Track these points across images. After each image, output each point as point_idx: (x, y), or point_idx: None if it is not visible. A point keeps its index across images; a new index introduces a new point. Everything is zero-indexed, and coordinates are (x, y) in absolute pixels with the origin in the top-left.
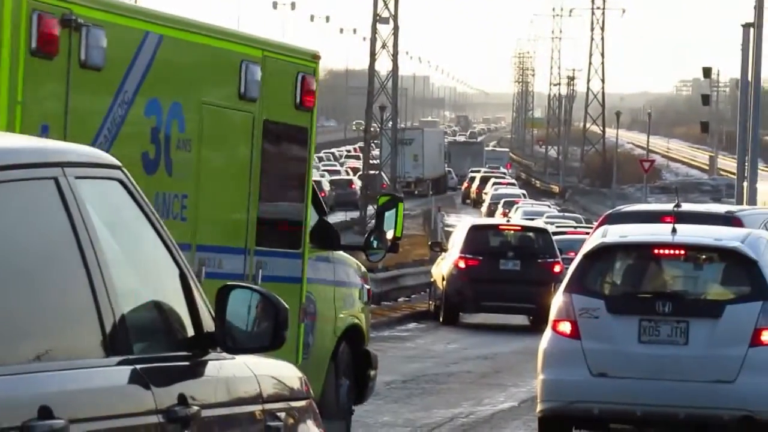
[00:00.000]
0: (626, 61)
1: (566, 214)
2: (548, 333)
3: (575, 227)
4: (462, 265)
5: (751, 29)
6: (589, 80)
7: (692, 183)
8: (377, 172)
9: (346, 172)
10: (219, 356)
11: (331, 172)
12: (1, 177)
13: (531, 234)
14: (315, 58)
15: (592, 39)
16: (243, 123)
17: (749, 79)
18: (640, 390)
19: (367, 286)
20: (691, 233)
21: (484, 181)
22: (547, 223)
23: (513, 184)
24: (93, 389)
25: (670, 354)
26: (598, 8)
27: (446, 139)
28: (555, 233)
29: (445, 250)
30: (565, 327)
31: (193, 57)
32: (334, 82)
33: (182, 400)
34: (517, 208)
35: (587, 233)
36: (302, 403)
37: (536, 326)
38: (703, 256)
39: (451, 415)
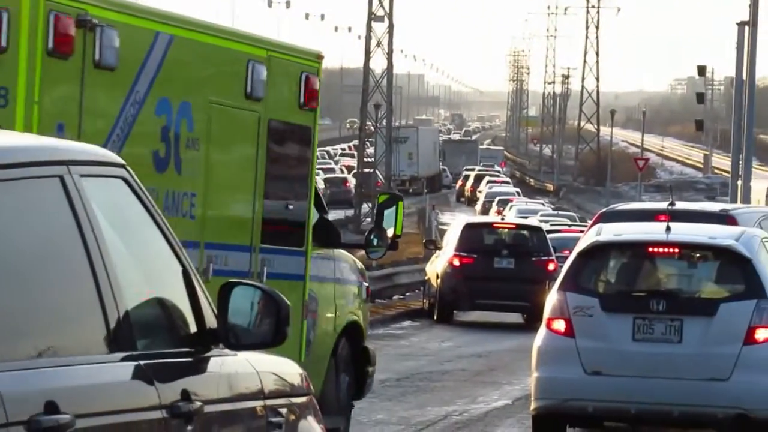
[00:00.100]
0: (621, 59)
1: (560, 212)
2: (542, 331)
3: (569, 225)
4: (456, 263)
5: (746, 27)
6: (583, 78)
7: (687, 181)
8: (372, 170)
9: (341, 170)
10: (221, 353)
11: (326, 171)
12: (8, 175)
13: (525, 232)
14: (318, 58)
15: (586, 37)
16: (249, 122)
17: (744, 77)
18: (634, 388)
19: (366, 284)
20: (685, 232)
21: (479, 179)
22: (541, 221)
23: (507, 183)
24: (98, 385)
25: (664, 352)
26: (593, 6)
27: (441, 137)
28: (549, 231)
29: (440, 248)
30: (560, 325)
31: (201, 57)
32: (329, 80)
33: (185, 395)
34: (511, 207)
35: (581, 231)
36: (303, 399)
37: (530, 324)
38: (698, 255)
39: (445, 413)
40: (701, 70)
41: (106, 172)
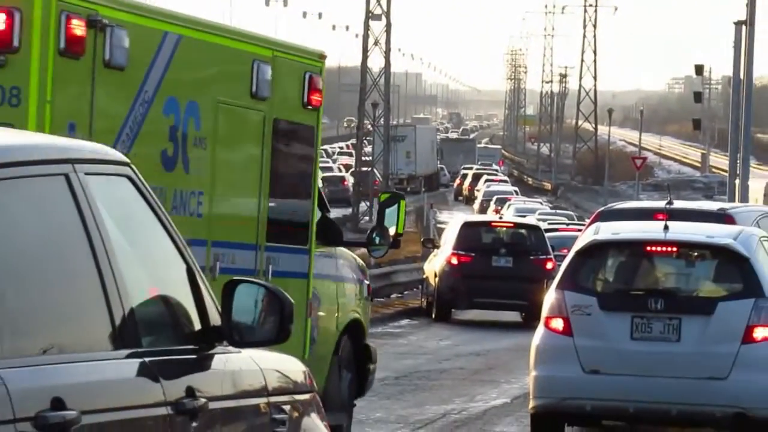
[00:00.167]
0: (618, 58)
1: (558, 211)
2: (540, 330)
3: (567, 224)
4: (454, 261)
5: (744, 27)
6: (581, 77)
7: (684, 180)
8: (369, 169)
9: (339, 169)
10: (225, 350)
11: (323, 169)
12: (14, 173)
13: (523, 231)
14: (321, 57)
15: (584, 36)
16: (255, 121)
17: (741, 76)
18: (632, 387)
19: (367, 282)
20: (683, 230)
21: (477, 178)
22: (539, 220)
23: (505, 181)
24: (104, 381)
25: (662, 351)
26: (591, 5)
27: (438, 136)
28: (547, 230)
29: (438, 247)
30: (558, 324)
31: (209, 57)
32: (327, 78)
33: (190, 392)
34: (509, 205)
35: (579, 230)
36: (306, 396)
37: (528, 323)
38: (696, 254)
39: (443, 411)
40: (699, 69)
41: (111, 170)
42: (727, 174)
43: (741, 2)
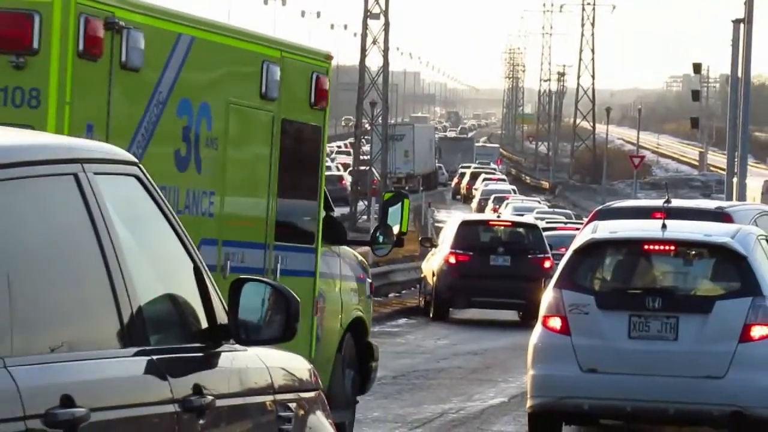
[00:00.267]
0: (616, 57)
1: (556, 209)
2: (538, 328)
3: (565, 223)
4: (452, 260)
5: (742, 25)
6: (579, 76)
7: (682, 179)
8: (368, 168)
9: (337, 168)
10: (232, 348)
11: None
12: (24, 173)
13: (521, 230)
14: (328, 58)
15: (582, 35)
16: (264, 122)
17: (739, 75)
18: (630, 385)
19: (369, 280)
20: (681, 229)
21: (475, 176)
22: (537, 218)
23: (503, 180)
24: (112, 379)
25: (659, 350)
26: (589, 4)
27: (437, 134)
28: (545, 229)
29: (436, 246)
30: (555, 323)
31: (220, 58)
32: None
33: (197, 390)
34: (507, 204)
35: (577, 229)
36: (312, 394)
37: (526, 322)
38: (693, 252)
39: (441, 410)
40: (697, 67)
41: (120, 170)
42: (724, 172)
43: (739, 1)
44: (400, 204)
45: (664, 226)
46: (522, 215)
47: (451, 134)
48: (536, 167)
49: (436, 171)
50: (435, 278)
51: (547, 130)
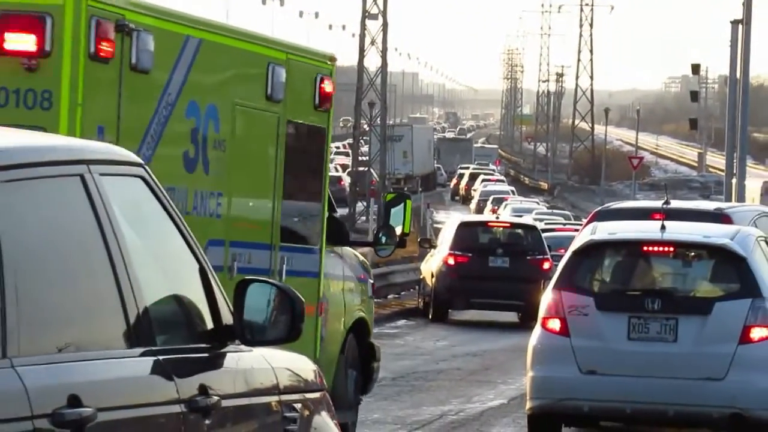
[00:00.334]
0: (615, 57)
1: (555, 211)
2: (537, 330)
3: (564, 224)
4: (451, 261)
5: (740, 26)
6: (577, 77)
7: (681, 180)
8: (366, 168)
9: (335, 168)
10: (237, 348)
11: None
12: (31, 174)
13: (520, 231)
14: (332, 60)
15: (580, 35)
16: (270, 123)
17: (738, 75)
18: (629, 387)
19: (371, 281)
20: (680, 230)
21: (473, 177)
22: (536, 219)
23: (502, 181)
24: (119, 379)
25: (659, 351)
26: (587, 5)
27: (435, 135)
28: (544, 230)
29: (434, 247)
30: (555, 324)
31: (227, 60)
32: None
33: (203, 390)
34: (506, 205)
35: (576, 230)
36: (317, 394)
37: (525, 323)
38: (692, 253)
39: (440, 412)
40: (695, 68)
41: (125, 171)
42: (723, 173)
43: (737, 1)
44: (402, 205)
45: (663, 228)
46: (521, 216)
47: (449, 135)
48: (535, 168)
49: (434, 172)
50: (434, 279)
51: (545, 131)
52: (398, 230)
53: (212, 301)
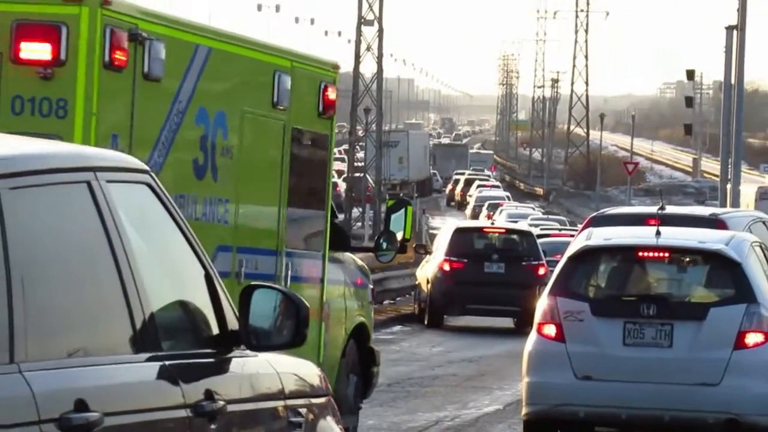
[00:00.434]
0: (610, 63)
1: (550, 216)
2: (533, 336)
3: (559, 229)
4: (446, 267)
5: (735, 32)
6: (573, 82)
7: (676, 185)
8: (362, 174)
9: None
10: (243, 354)
11: None
12: (39, 181)
13: (515, 236)
14: (335, 68)
15: (576, 41)
16: (275, 130)
17: (732, 81)
18: (625, 393)
19: (371, 286)
20: (675, 236)
21: (469, 183)
22: (531, 225)
23: (497, 187)
24: (125, 384)
25: (654, 357)
26: (582, 11)
27: (431, 141)
28: (539, 236)
29: (430, 253)
30: (550, 330)
31: (235, 68)
32: None
33: (209, 395)
34: (501, 211)
35: (572, 236)
36: (322, 399)
37: (521, 329)
38: (688, 259)
39: (436, 418)
40: (690, 74)
41: (131, 177)
42: (718, 179)
43: (732, 7)
44: (403, 211)
45: (658, 233)
46: (516, 222)
47: (445, 141)
48: (530, 174)
49: (430, 177)
50: (429, 285)
51: (541, 137)
52: (399, 236)
53: (218, 307)
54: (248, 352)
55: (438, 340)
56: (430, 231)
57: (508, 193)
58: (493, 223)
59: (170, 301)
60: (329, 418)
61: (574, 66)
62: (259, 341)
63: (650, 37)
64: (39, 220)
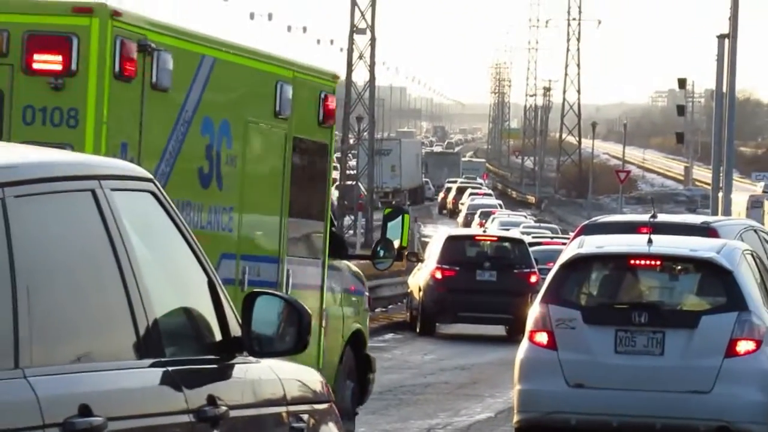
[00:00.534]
0: (602, 71)
1: (542, 224)
2: (525, 344)
3: (551, 237)
4: (438, 275)
5: (726, 40)
6: (565, 91)
7: (668, 193)
8: (354, 182)
9: None
10: (245, 360)
11: None
12: (44, 189)
13: (507, 244)
14: (334, 78)
15: (568, 50)
16: (277, 139)
17: (724, 90)
18: (616, 400)
19: (367, 293)
20: (667, 244)
21: (461, 191)
22: (523, 233)
23: (489, 195)
24: (128, 389)
25: (646, 365)
26: (574, 19)
27: (423, 149)
28: (531, 244)
29: (422, 261)
30: (542, 338)
31: (239, 78)
32: None
33: (211, 400)
34: (493, 219)
35: (563, 244)
36: (324, 405)
37: (513, 337)
38: (679, 267)
39: (428, 426)
40: (682, 82)
41: (135, 186)
42: (710, 187)
43: (723, 16)
44: (400, 218)
45: (650, 241)
46: (508, 230)
47: (437, 149)
48: (522, 182)
49: (422, 186)
50: (421, 293)
51: (533, 145)
52: (396, 243)
53: (220, 314)
54: (251, 358)
55: (430, 348)
56: (422, 239)
57: (500, 201)
58: (485, 231)
59: (173, 307)
60: (331, 424)
61: (566, 74)
62: (262, 347)
63: (642, 45)
64: (44, 228)
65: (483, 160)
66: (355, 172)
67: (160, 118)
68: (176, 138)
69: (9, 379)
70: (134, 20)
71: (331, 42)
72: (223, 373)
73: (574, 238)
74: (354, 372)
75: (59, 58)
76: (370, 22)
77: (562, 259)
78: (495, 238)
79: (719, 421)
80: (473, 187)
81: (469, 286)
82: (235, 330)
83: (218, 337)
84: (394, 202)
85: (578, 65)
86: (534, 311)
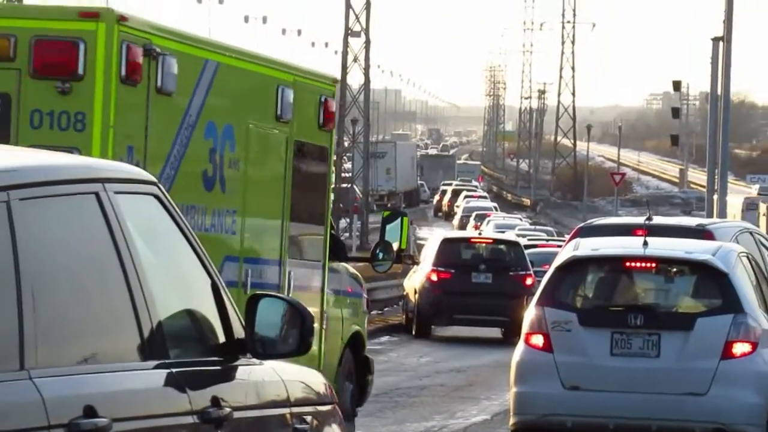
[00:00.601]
0: (597, 74)
1: (537, 227)
2: (521, 346)
3: (546, 240)
4: (434, 278)
5: (721, 43)
6: (559, 94)
7: (663, 196)
8: (349, 185)
9: None
10: (249, 362)
11: None
12: (48, 192)
13: (503, 247)
14: (334, 82)
15: (562, 53)
16: (279, 143)
17: (719, 92)
18: (612, 403)
19: (365, 296)
20: (662, 246)
21: (456, 194)
22: (518, 236)
23: (484, 197)
24: (133, 390)
25: (642, 367)
26: (569, 22)
27: (418, 152)
28: (527, 246)
29: (417, 263)
30: (538, 340)
31: (241, 82)
32: None
33: (215, 402)
34: (488, 221)
35: (559, 246)
36: (327, 407)
37: (508, 339)
38: (675, 269)
39: (423, 428)
40: (676, 85)
41: (139, 189)
42: (705, 189)
43: (718, 19)
44: (398, 221)
45: (645, 244)
46: (503, 232)
47: (432, 151)
48: (517, 184)
49: (417, 188)
50: (417, 296)
51: (528, 148)
52: (395, 246)
53: (224, 316)
54: (254, 360)
55: (426, 351)
56: (418, 241)
57: (495, 204)
58: (480, 234)
59: (177, 309)
60: (334, 426)
61: (560, 77)
62: (265, 349)
63: (637, 48)
64: (48, 231)
65: (478, 162)
66: (350, 174)
67: (165, 122)
68: (181, 141)
69: (15, 381)
70: (140, 25)
71: (326, 45)
72: (227, 374)
73: (570, 240)
74: (353, 374)
75: (66, 62)
76: (364, 25)
77: (557, 261)
78: (490, 241)
79: (715, 423)
80: (468, 190)
81: (465, 289)
82: (239, 332)
83: (222, 339)
84: (389, 205)
85: (573, 68)
86: (530, 314)
